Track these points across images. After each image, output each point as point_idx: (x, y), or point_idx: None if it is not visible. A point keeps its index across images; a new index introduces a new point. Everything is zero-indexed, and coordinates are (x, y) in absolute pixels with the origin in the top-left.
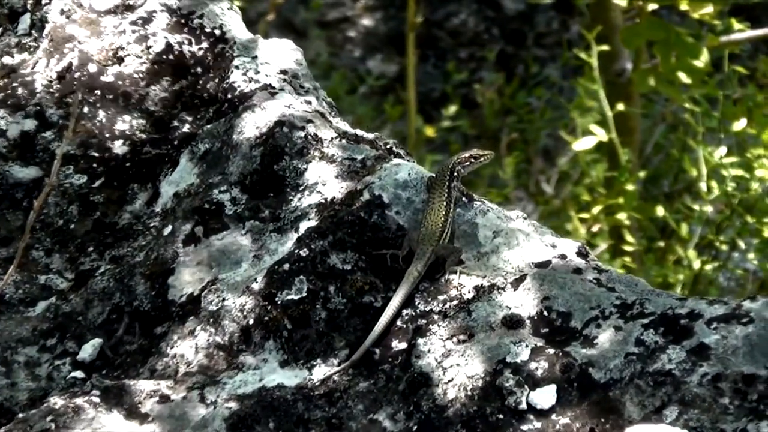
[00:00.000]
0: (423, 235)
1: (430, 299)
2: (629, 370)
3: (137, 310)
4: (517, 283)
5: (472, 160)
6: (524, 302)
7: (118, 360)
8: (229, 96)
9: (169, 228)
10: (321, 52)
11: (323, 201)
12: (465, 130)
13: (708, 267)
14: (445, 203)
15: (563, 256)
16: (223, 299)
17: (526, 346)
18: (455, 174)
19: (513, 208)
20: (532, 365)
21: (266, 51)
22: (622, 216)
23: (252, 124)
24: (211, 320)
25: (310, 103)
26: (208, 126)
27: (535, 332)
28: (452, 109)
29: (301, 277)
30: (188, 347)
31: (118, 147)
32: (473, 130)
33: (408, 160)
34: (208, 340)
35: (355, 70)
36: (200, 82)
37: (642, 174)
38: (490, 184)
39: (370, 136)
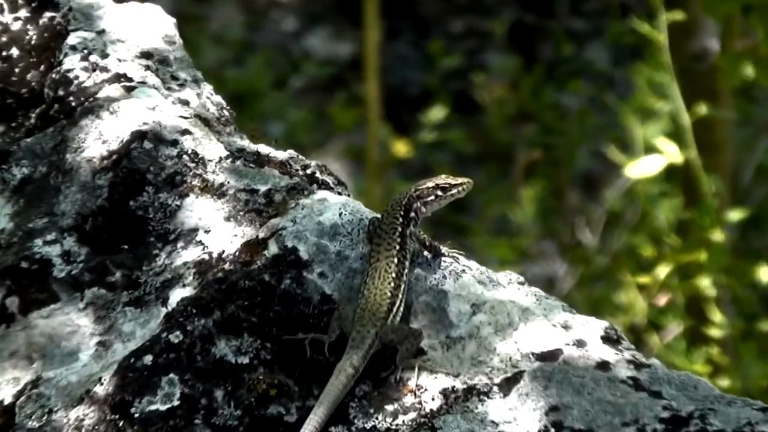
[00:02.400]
0: (362, 310)
1: (373, 411)
2: None
3: None
4: (508, 385)
5: (438, 194)
6: (520, 415)
7: None
8: (61, 93)
9: None
10: (231, 22)
11: (206, 257)
12: (459, 147)
13: None
14: (396, 261)
15: (581, 343)
16: (50, 411)
17: None
18: (412, 215)
19: (532, 267)
20: None
21: (120, 21)
22: (704, 281)
23: (96, 138)
24: None
25: (187, 103)
26: (28, 140)
27: None
28: (439, 113)
29: (172, 376)
30: None
31: None
32: (472, 145)
33: (339, 193)
34: None
35: (285, 51)
36: (15, 71)
37: (736, 215)
38: (498, 229)
39: (282, 155)
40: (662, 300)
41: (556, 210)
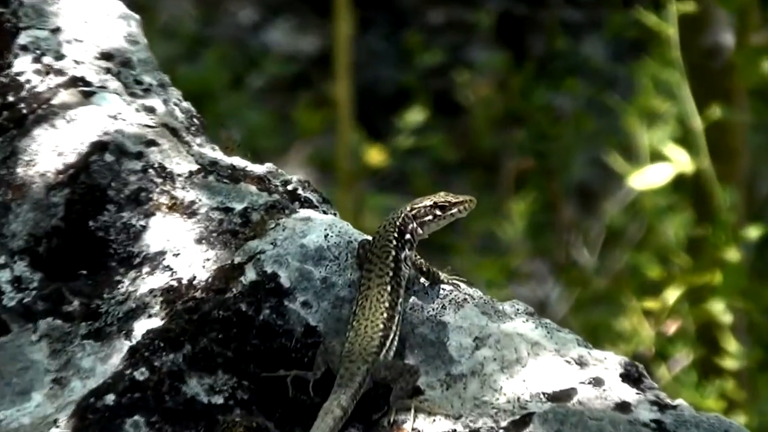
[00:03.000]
0: (351, 344)
1: None
2: None
3: None
4: (516, 428)
5: (437, 213)
6: None
7: None
8: (11, 99)
9: None
10: (182, 14)
11: (175, 284)
12: (440, 153)
13: None
14: (389, 288)
15: (598, 382)
16: None
17: None
18: (407, 237)
19: (521, 289)
20: None
21: (76, 18)
22: (718, 306)
23: (51, 149)
24: None
25: (153, 110)
26: None
27: None
28: (417, 115)
29: (137, 417)
30: None
31: None
32: (454, 152)
33: (325, 211)
34: None
35: (242, 46)
36: None
37: (754, 231)
38: (483, 247)
39: (260, 169)
40: (670, 327)
41: (549, 225)
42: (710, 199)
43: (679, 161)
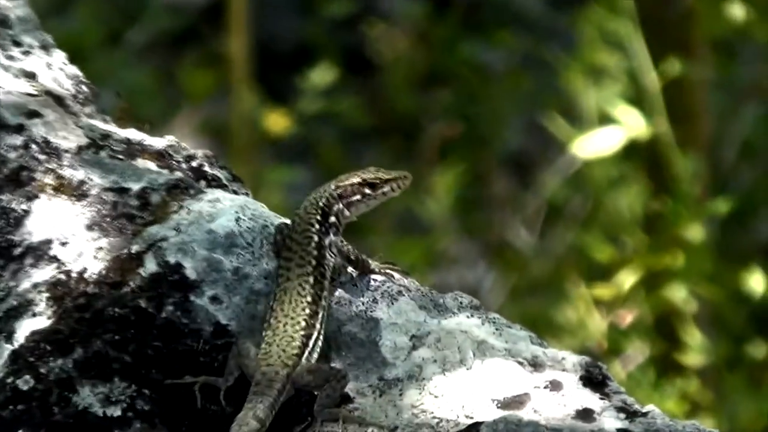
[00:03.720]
0: (269, 345)
1: None
2: None
3: None
4: None
5: (366, 192)
6: None
7: None
8: None
9: None
10: None
11: (63, 277)
12: (352, 120)
13: None
14: (311, 280)
15: (555, 385)
16: None
17: None
18: (332, 219)
19: (445, 278)
20: None
21: None
22: (679, 293)
23: None
24: None
25: (34, 76)
26: None
27: None
28: (324, 75)
29: None
30: None
31: None
32: (368, 117)
33: (235, 191)
34: None
35: None
36: None
37: (720, 206)
38: (402, 226)
39: (159, 143)
40: (624, 318)
41: (480, 201)
42: (668, 168)
43: (632, 124)
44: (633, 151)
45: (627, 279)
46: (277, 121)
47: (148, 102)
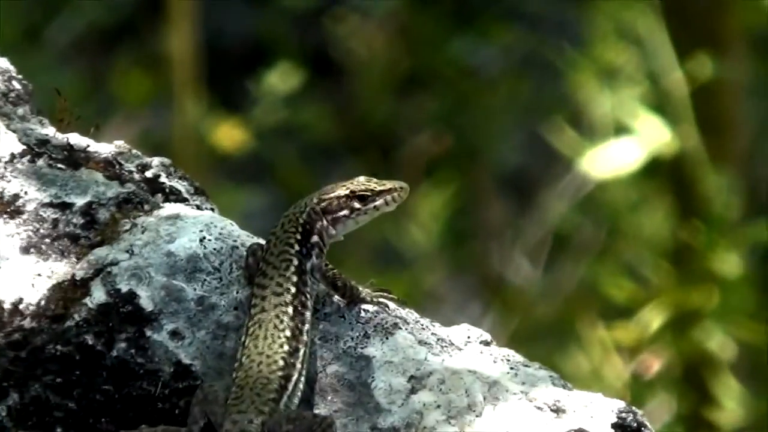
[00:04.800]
0: (240, 388)
1: None
2: None
3: None
4: None
5: (355, 206)
6: None
7: None
8: None
9: None
10: None
11: None
12: (317, 132)
13: None
14: (290, 311)
15: None
16: None
17: None
18: (315, 239)
19: (436, 315)
20: None
21: None
22: (712, 337)
23: None
24: None
25: None
26: None
27: None
28: (284, 78)
29: None
30: None
31: None
32: (338, 129)
33: (198, 206)
34: None
35: None
36: None
37: (761, 233)
38: (381, 259)
39: (107, 149)
40: (648, 365)
41: (473, 229)
42: (698, 188)
43: (654, 136)
44: (656, 168)
45: (651, 320)
46: (229, 134)
47: (73, 109)
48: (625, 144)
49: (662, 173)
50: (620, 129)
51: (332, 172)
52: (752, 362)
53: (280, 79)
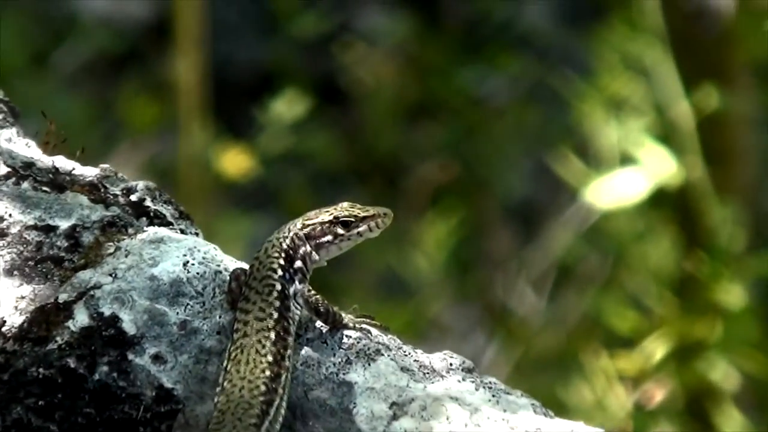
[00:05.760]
0: (222, 413)
1: None
2: None
3: None
4: None
5: (339, 232)
6: None
7: None
8: None
9: None
10: None
11: None
12: (324, 159)
13: None
14: (273, 336)
15: None
16: None
17: None
18: (298, 264)
19: (440, 345)
20: None
21: None
22: (716, 369)
23: None
24: None
25: None
26: None
27: None
28: (291, 106)
29: None
30: None
31: None
32: (344, 157)
33: (183, 230)
34: None
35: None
36: None
37: (766, 265)
38: (385, 287)
39: (92, 172)
40: (651, 396)
41: (478, 258)
42: (703, 220)
43: (659, 167)
44: (661, 198)
45: (655, 350)
46: (235, 161)
47: (80, 135)
48: (630, 174)
49: (667, 204)
50: (626, 159)
51: (338, 199)
52: (756, 393)
53: (287, 107)
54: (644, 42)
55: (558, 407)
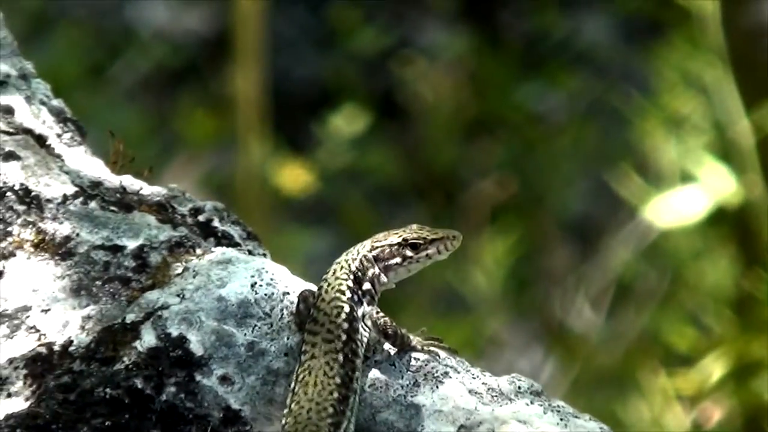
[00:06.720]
0: None
1: None
2: None
3: None
4: None
5: (408, 254)
6: None
7: None
8: None
9: None
10: None
11: (44, 351)
12: (383, 175)
13: None
14: (341, 358)
15: None
16: None
17: None
18: (367, 286)
19: (498, 361)
20: None
21: None
22: None
23: None
24: None
25: (11, 111)
26: None
27: None
28: (351, 122)
29: None
30: None
31: None
32: (403, 173)
33: (250, 251)
34: None
35: (104, 27)
36: None
37: None
38: (444, 304)
39: (160, 192)
40: (709, 415)
41: (536, 275)
42: (763, 238)
43: (719, 185)
44: (720, 217)
45: (713, 369)
46: (293, 176)
47: (137, 148)
48: (690, 192)
49: (727, 222)
50: (686, 177)
51: (397, 215)
52: None
53: (346, 122)
54: (704, 60)
55: (615, 425)
